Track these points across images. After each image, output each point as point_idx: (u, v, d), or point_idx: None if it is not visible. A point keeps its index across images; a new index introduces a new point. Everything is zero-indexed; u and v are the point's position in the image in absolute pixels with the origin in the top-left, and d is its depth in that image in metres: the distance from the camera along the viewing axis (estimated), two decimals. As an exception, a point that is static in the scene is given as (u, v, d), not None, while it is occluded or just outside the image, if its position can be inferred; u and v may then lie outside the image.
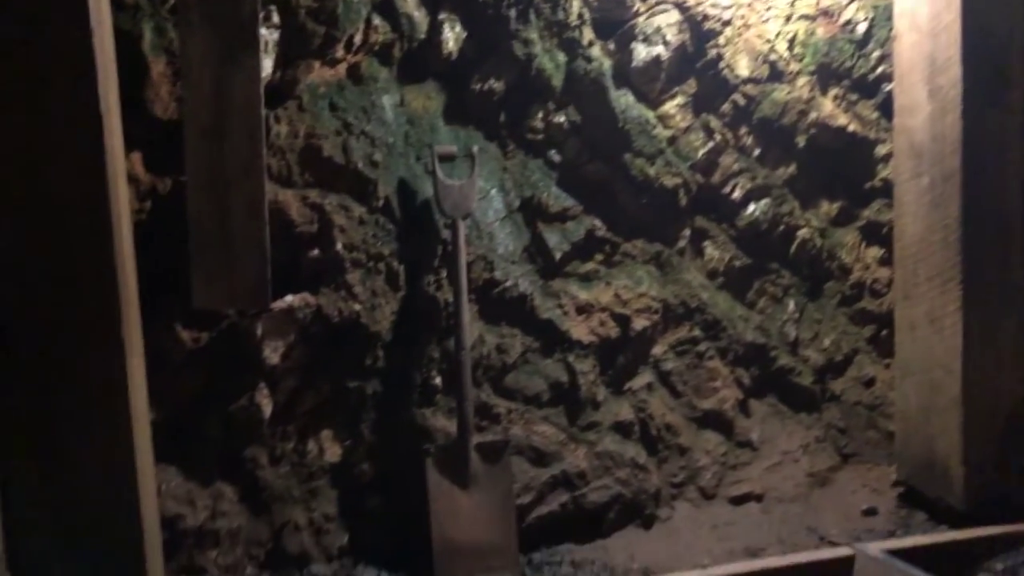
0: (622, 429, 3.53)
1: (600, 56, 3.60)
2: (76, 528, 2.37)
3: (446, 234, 3.27)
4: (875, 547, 2.11)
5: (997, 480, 3.21)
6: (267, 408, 3.05)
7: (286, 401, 3.11)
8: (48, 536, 2.35)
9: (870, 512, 3.49)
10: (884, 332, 3.99)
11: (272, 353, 3.03)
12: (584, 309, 3.54)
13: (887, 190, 3.91)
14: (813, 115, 3.91)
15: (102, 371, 2.33)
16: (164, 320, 2.89)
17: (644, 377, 3.65)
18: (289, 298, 3.05)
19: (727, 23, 3.77)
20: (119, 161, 2.53)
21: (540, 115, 3.54)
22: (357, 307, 3.14)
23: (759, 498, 3.60)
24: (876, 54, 3.97)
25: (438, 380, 3.28)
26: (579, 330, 3.51)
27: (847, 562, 2.08)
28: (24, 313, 2.29)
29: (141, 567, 2.42)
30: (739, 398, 3.78)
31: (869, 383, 3.99)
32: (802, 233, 3.93)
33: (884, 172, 4.00)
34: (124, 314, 2.38)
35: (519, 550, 3.17)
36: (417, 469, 3.14)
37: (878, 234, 4.03)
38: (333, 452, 3.18)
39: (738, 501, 3.58)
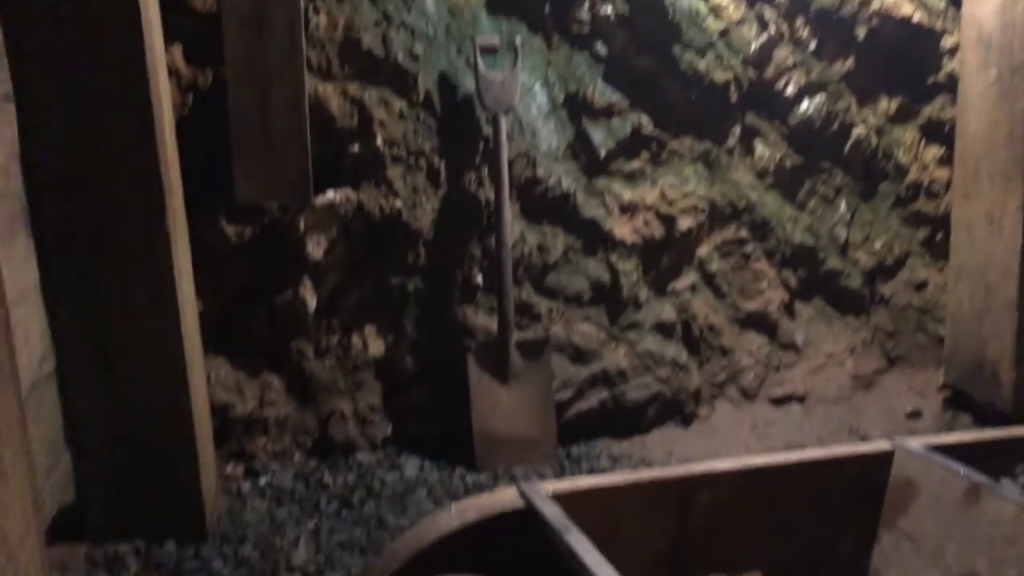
0: (664, 329, 3.52)
1: (649, -58, 3.44)
2: (130, 413, 2.47)
3: (487, 130, 3.22)
4: (916, 442, 2.07)
5: (1049, 384, 3.15)
6: (311, 302, 3.09)
7: (330, 296, 3.15)
8: (107, 415, 2.46)
9: (915, 415, 3.46)
10: (939, 235, 3.87)
11: (315, 248, 3.06)
12: (628, 208, 3.48)
13: (951, 86, 3.72)
14: (875, 4, 3.70)
15: (149, 258, 2.39)
16: (209, 215, 2.93)
17: (688, 278, 3.61)
18: (330, 193, 3.05)
19: (786, -95, 3.56)
20: (159, 54, 2.52)
21: (587, 6, 3.41)
22: (398, 203, 3.14)
23: (801, 399, 3.58)
24: (947, -62, 3.73)
25: (479, 278, 3.29)
26: (622, 229, 3.47)
27: (887, 457, 2.05)
28: (74, 205, 2.34)
29: (192, 450, 2.53)
30: (785, 300, 3.72)
31: (920, 286, 3.89)
32: (857, 131, 3.78)
33: (949, 66, 3.80)
34: (169, 205, 2.41)
35: (557, 443, 3.22)
36: (459, 365, 3.18)
37: (938, 133, 3.86)
38: (376, 347, 3.23)
39: (779, 402, 3.58)
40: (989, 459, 2.10)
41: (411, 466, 3.12)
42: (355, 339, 3.20)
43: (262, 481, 2.97)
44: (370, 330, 3.22)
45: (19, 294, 2.19)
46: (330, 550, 2.58)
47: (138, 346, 2.44)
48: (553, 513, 1.67)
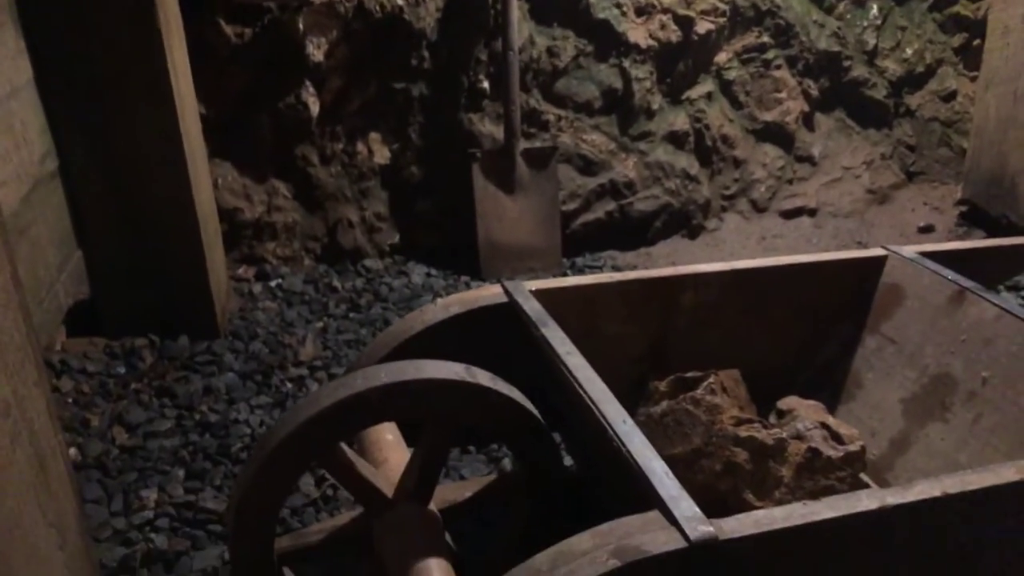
0: (676, 139, 3.45)
1: None
2: (135, 211, 2.52)
3: (494, -78, 3.02)
4: (909, 249, 2.06)
5: (1067, 198, 3.07)
6: (314, 107, 3.05)
7: (333, 100, 3.10)
8: (113, 214, 2.51)
9: (927, 229, 3.42)
10: (976, 42, 3.65)
11: (315, 50, 2.98)
12: (644, 10, 3.32)
13: None
14: None
15: (142, 54, 2.34)
16: (208, 14, 2.84)
17: (704, 86, 3.49)
18: (329, -9, 2.93)
19: None
20: None
21: None
22: (399, 1, 3.01)
23: (812, 212, 3.54)
24: None
25: (485, 84, 3.20)
26: (637, 33, 3.32)
27: (878, 263, 2.05)
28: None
29: (199, 249, 2.59)
30: (804, 111, 3.60)
31: (949, 97, 3.73)
32: (898, -75, 3.50)
33: None
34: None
35: (562, 254, 3.25)
36: (464, 174, 3.17)
37: (987, -73, 3.57)
38: (382, 154, 3.21)
39: (790, 215, 3.54)
40: (981, 267, 2.09)
41: (418, 273, 3.18)
42: (360, 146, 3.18)
43: (273, 283, 3.06)
44: (375, 137, 3.19)
45: (11, 89, 2.18)
46: (337, 347, 2.69)
47: (137, 145, 2.44)
48: (533, 308, 1.70)
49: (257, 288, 3.03)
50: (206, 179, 2.77)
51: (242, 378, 2.49)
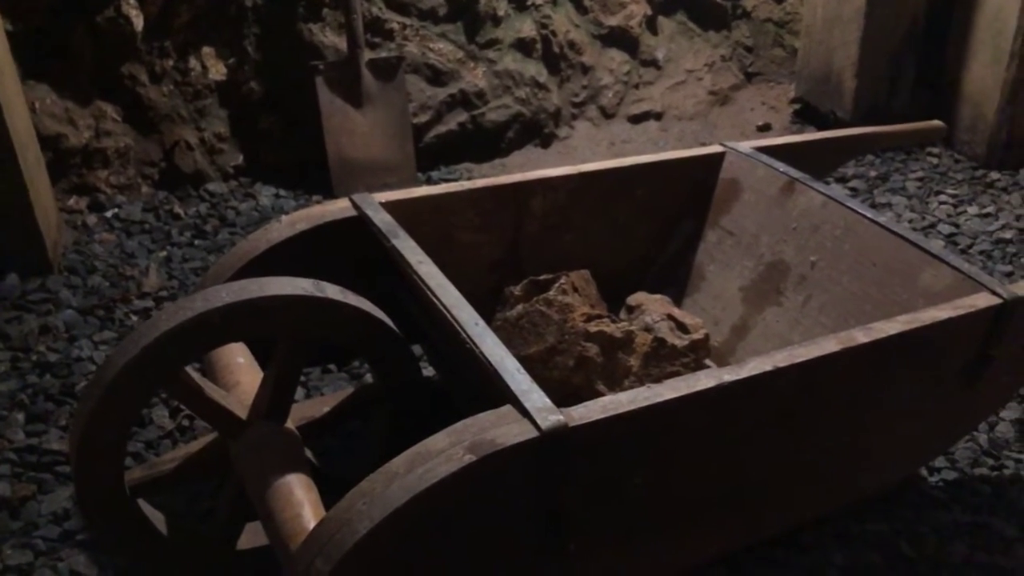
0: (523, 47, 3.42)
1: None
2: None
3: None
4: (745, 145, 2.15)
5: (885, 93, 3.27)
6: (137, 20, 2.83)
7: (159, 14, 2.88)
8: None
9: (764, 128, 3.57)
10: (805, -57, 3.78)
11: (132, -43, 2.75)
12: (484, -88, 3.23)
13: None
14: None
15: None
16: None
17: (549, -8, 3.47)
18: None
19: None
20: None
21: None
22: (223, -97, 2.81)
23: (658, 116, 3.63)
24: None
25: (325, -8, 3.06)
26: (478, -63, 3.24)
27: (717, 159, 2.13)
28: None
29: (19, 180, 2.39)
30: (647, 14, 3.64)
31: (781, -1, 3.87)
32: None
33: None
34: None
35: (417, 168, 3.20)
36: (308, 87, 3.04)
37: None
38: (217, 70, 3.03)
39: (637, 120, 3.61)
40: (810, 159, 2.22)
41: (266, 195, 3.06)
42: (192, 62, 2.99)
43: (108, 214, 2.88)
44: (208, 52, 3.01)
45: None
46: (183, 276, 2.57)
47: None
48: (383, 220, 1.68)
49: (92, 219, 2.84)
50: (20, 103, 2.54)
51: (82, 314, 2.35)
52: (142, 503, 1.42)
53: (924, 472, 1.91)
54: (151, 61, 2.93)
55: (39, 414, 1.96)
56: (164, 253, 2.69)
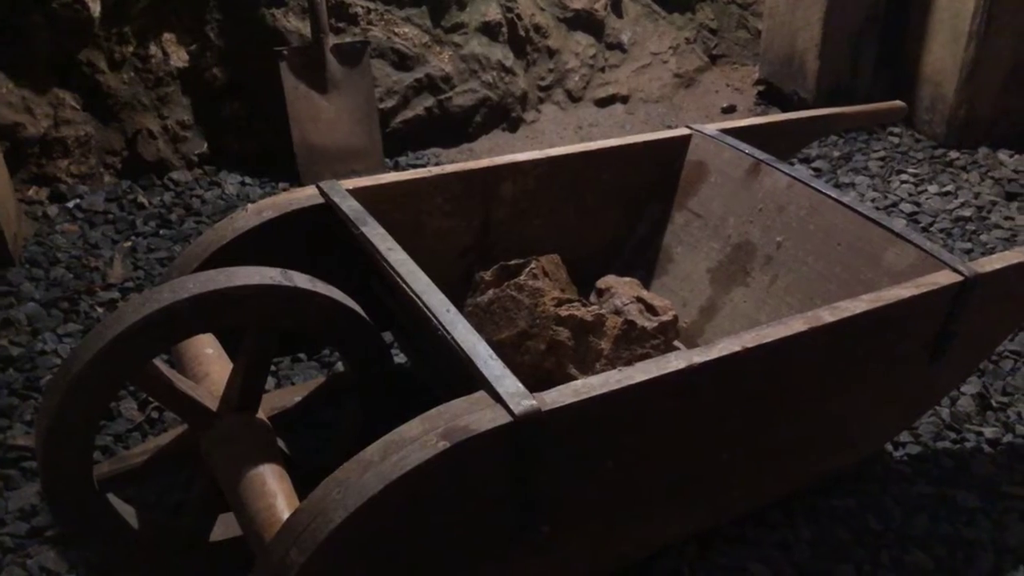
0: (489, 30, 3.40)
1: None
2: None
3: None
4: (711, 127, 2.17)
5: (847, 74, 3.30)
6: (95, 6, 2.77)
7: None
8: None
9: (729, 109, 3.60)
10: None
11: (88, -59, 2.68)
12: None
13: None
14: None
15: None
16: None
17: (514, -26, 3.45)
18: None
19: None
20: None
21: None
22: None
23: (624, 99, 3.64)
24: None
25: (287, -24, 3.01)
26: (442, -81, 3.21)
27: (683, 142, 2.14)
28: None
29: (-25, 171, 2.34)
30: (612, -3, 3.65)
31: (745, -19, 3.88)
32: None
33: None
34: None
35: (384, 153, 3.18)
36: (272, 73, 3.00)
37: None
38: (179, 56, 2.99)
39: (604, 103, 3.62)
40: (775, 141, 2.24)
41: (231, 183, 3.03)
42: (153, 48, 2.94)
43: (70, 204, 2.82)
44: (169, 38, 2.96)
45: None
46: (149, 266, 2.54)
47: None
48: (351, 207, 1.67)
49: (53, 210, 2.79)
50: (-26, 92, 2.48)
51: (45, 307, 2.31)
52: (112, 497, 1.41)
53: (889, 447, 1.95)
54: (110, 48, 2.87)
55: (3, 409, 1.93)
56: (129, 243, 2.65)
